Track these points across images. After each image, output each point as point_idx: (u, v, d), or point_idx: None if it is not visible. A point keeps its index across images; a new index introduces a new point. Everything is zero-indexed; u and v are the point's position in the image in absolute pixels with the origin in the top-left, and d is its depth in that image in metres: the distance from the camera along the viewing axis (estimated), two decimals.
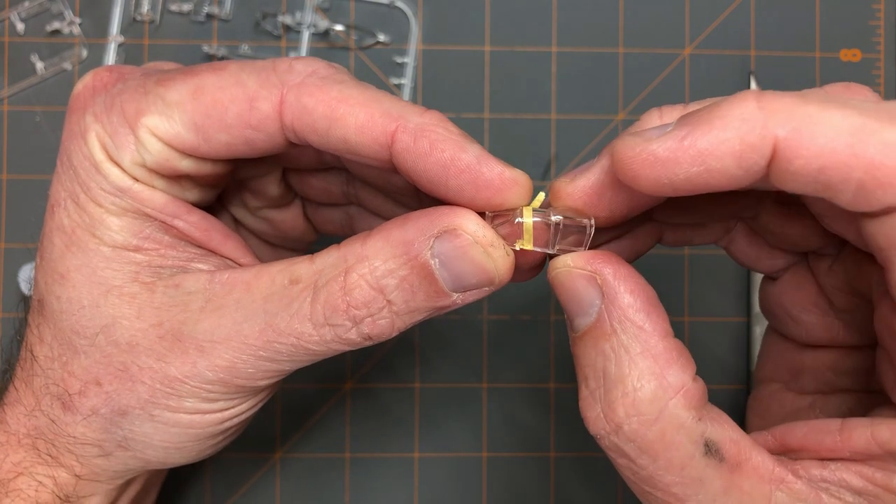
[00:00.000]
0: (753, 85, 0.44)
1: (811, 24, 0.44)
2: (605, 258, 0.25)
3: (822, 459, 0.25)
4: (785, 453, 0.26)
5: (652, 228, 0.30)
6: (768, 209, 0.29)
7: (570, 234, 0.26)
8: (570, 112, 0.44)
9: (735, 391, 0.43)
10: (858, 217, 0.23)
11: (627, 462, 0.25)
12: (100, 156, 0.27)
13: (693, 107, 0.25)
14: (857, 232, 0.24)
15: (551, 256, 0.27)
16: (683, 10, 0.44)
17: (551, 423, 0.44)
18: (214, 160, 0.28)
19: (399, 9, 0.44)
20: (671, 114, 0.26)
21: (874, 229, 0.22)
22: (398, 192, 0.31)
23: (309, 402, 0.44)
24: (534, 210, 0.26)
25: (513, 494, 0.43)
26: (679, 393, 0.24)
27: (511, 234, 0.26)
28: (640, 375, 0.24)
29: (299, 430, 0.43)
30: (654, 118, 0.26)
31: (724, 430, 0.24)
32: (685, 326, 0.44)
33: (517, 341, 0.44)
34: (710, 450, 0.24)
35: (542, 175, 0.44)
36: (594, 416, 0.25)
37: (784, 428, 0.26)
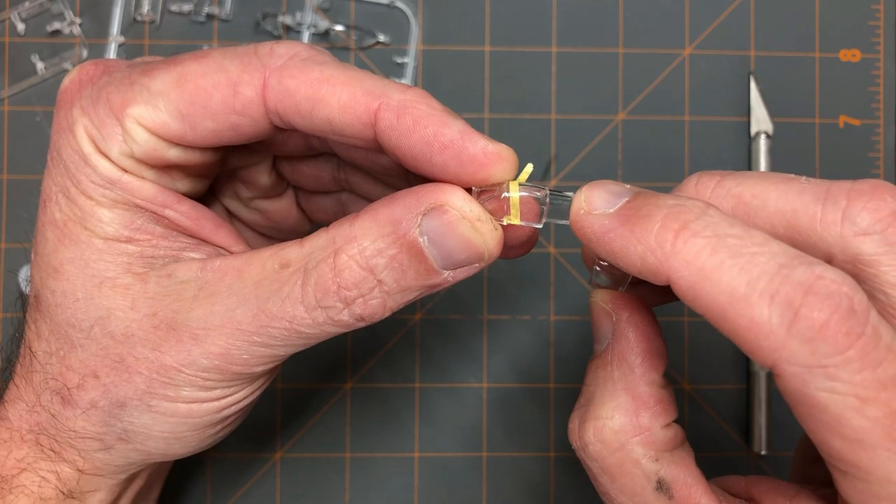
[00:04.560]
0: (753, 85, 0.44)
1: (811, 24, 0.44)
2: (627, 302, 0.28)
3: None
4: (750, 502, 0.28)
5: None
6: None
7: (559, 205, 0.27)
8: (570, 112, 0.44)
9: (735, 391, 0.43)
10: None
11: (592, 476, 0.28)
12: (88, 148, 0.27)
13: (729, 180, 0.26)
14: None
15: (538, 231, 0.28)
16: (683, 10, 0.44)
17: (551, 423, 0.44)
18: (203, 148, 0.28)
19: (399, 9, 0.44)
20: (707, 184, 0.26)
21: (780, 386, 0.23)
22: (386, 173, 0.31)
23: (309, 402, 0.44)
24: (520, 185, 0.26)
25: (513, 494, 0.43)
26: (642, 434, 0.26)
27: (498, 210, 0.26)
28: (616, 407, 0.26)
29: (299, 429, 0.43)
30: (690, 187, 0.27)
31: (681, 473, 0.26)
32: (685, 326, 0.44)
33: (517, 341, 0.44)
34: (662, 487, 0.26)
35: (542, 175, 0.44)
36: (572, 428, 0.28)
37: (754, 479, 0.28)
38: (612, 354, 0.27)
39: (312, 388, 0.44)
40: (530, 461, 0.43)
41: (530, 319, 0.44)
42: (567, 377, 0.44)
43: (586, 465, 0.27)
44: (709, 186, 0.26)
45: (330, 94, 0.26)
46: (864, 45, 0.44)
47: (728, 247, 0.23)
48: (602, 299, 0.28)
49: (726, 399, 0.43)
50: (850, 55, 0.44)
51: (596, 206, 0.25)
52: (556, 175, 0.44)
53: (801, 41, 0.44)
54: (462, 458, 0.43)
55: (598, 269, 0.28)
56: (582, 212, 0.25)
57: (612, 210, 0.25)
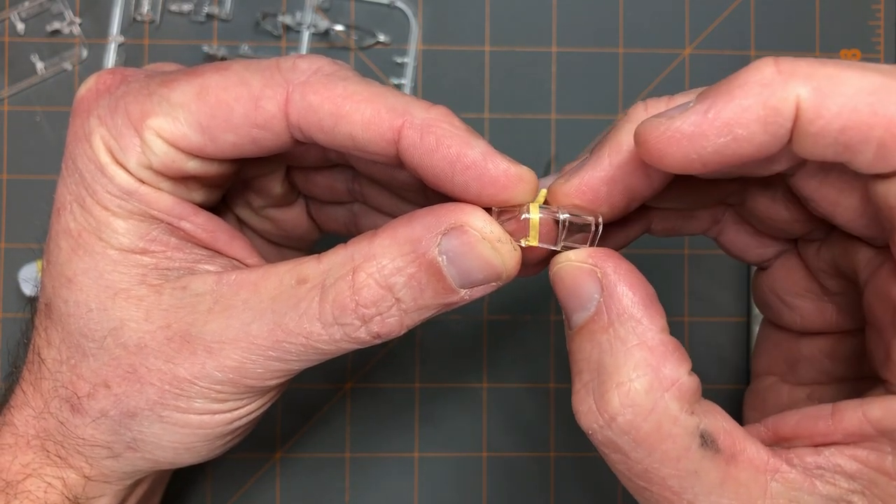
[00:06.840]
0: None
1: (811, 24, 0.44)
2: (605, 254, 0.26)
3: (816, 445, 0.25)
4: (778, 443, 0.26)
5: (640, 216, 0.30)
6: (754, 194, 0.29)
7: (576, 231, 0.26)
8: (570, 112, 0.44)
9: (736, 390, 0.43)
10: (870, 180, 0.23)
11: (621, 457, 0.25)
12: (105, 158, 0.27)
13: (678, 98, 0.26)
14: (844, 213, 0.25)
15: (556, 253, 0.27)
16: (683, 10, 0.44)
17: (551, 423, 0.44)
18: (221, 160, 0.28)
19: (399, 9, 0.44)
20: (656, 106, 0.26)
21: (886, 190, 0.23)
22: (404, 187, 0.31)
23: (309, 402, 0.44)
24: (540, 206, 0.26)
25: (513, 494, 0.43)
26: (674, 386, 0.24)
27: (517, 231, 0.26)
28: (636, 366, 0.24)
29: (299, 429, 0.44)
30: (640, 111, 0.26)
31: (718, 421, 0.24)
32: (685, 326, 0.44)
33: (517, 341, 0.44)
34: (706, 441, 0.24)
35: (543, 175, 0.44)
36: (586, 409, 0.25)
37: (776, 418, 0.26)
38: (610, 313, 0.25)
39: (312, 388, 0.44)
40: (530, 461, 0.43)
41: (531, 319, 0.44)
42: (567, 377, 0.44)
43: (613, 446, 0.25)
44: (658, 107, 0.26)
45: (353, 110, 0.26)
46: (864, 45, 0.44)
47: (834, 59, 0.22)
48: (580, 259, 0.26)
49: (726, 399, 0.43)
50: (850, 55, 0.44)
51: (673, 114, 0.23)
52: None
53: (801, 41, 0.44)
54: (462, 458, 0.43)
55: (564, 225, 0.26)
56: (662, 128, 0.23)
57: (691, 105, 0.23)
